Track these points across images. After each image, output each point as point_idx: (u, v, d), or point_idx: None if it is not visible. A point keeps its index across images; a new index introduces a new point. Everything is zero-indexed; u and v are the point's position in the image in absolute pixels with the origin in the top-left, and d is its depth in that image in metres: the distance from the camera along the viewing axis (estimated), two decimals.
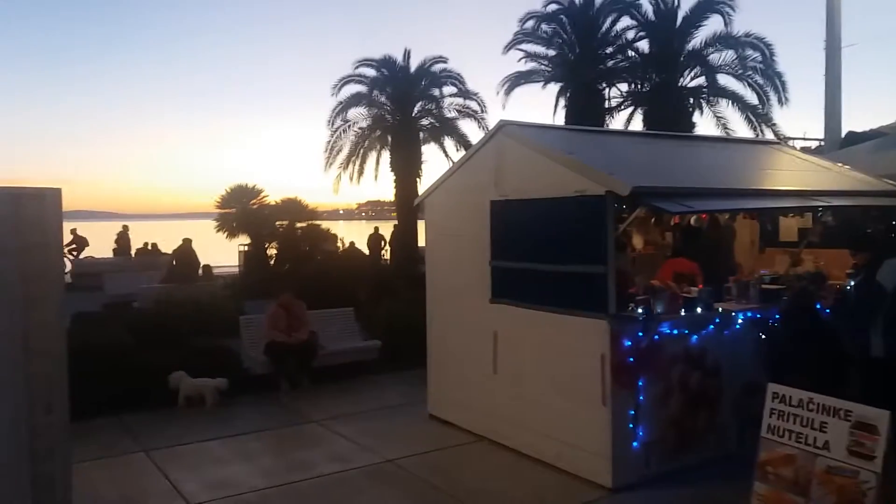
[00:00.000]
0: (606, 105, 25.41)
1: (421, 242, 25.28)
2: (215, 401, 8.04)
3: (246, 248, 23.98)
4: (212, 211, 24.27)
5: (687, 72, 24.61)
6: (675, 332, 5.63)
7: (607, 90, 26.23)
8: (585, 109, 24.85)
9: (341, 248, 22.83)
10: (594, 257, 5.31)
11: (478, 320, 6.57)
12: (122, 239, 27.76)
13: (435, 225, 7.31)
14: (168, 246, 23.87)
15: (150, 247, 28.09)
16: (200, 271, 19.18)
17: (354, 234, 28.05)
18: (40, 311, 3.29)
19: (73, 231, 26.61)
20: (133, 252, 27.93)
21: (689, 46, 23.96)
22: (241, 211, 23.22)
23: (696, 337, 5.77)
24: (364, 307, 11.29)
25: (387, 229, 26.42)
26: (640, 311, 5.48)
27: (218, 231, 23.97)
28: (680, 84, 24.64)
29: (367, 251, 24.58)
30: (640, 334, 5.38)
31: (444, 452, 6.36)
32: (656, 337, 5.50)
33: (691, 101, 24.69)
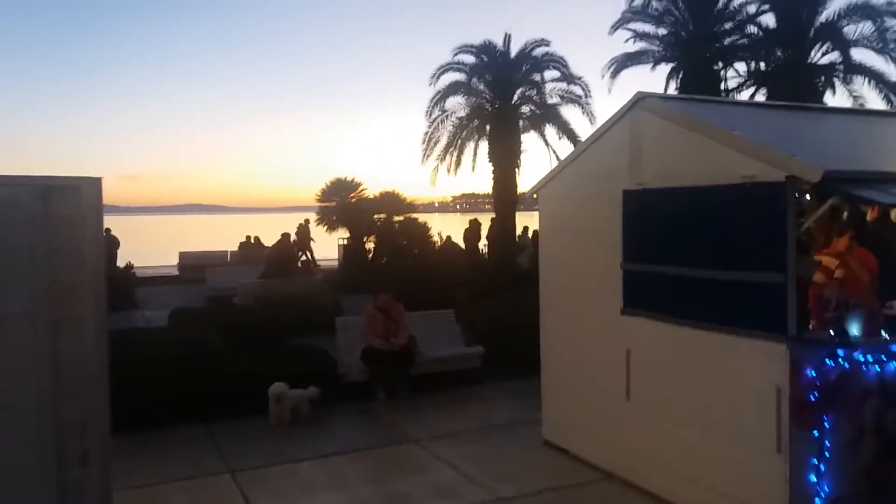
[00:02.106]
0: (723, 86, 23.64)
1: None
2: (308, 412, 7.37)
3: (345, 241, 23.77)
4: (313, 205, 24.23)
5: (817, 47, 22.45)
6: (870, 358, 4.39)
7: (724, 70, 24.41)
8: (700, 91, 23.15)
9: (438, 243, 22.08)
10: (768, 262, 4.16)
11: (605, 334, 5.53)
12: (304, 232, 24.88)
13: (551, 219, 6.30)
14: (271, 240, 23.82)
15: (252, 240, 28.47)
16: (300, 265, 18.92)
17: (450, 228, 27.30)
18: (73, 337, 2.55)
19: (107, 231, 26.32)
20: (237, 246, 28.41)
21: (821, 19, 21.73)
22: (340, 204, 22.98)
23: (894, 365, 4.50)
24: (464, 308, 10.43)
25: (483, 222, 25.54)
26: (830, 332, 4.28)
27: (318, 224, 23.88)
28: (809, 61, 22.48)
29: (463, 245, 23.78)
30: (828, 362, 4.19)
31: (566, 492, 5.36)
32: (846, 365, 4.29)
33: (822, 79, 22.47)
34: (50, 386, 2.49)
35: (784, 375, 4.12)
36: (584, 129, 24.24)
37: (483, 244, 24.59)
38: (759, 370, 4.23)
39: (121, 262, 22.07)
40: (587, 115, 23.25)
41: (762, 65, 23.76)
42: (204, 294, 18.88)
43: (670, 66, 24.41)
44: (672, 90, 24.28)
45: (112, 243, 23.56)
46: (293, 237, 26.50)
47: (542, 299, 6.42)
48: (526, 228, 24.56)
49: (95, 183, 2.72)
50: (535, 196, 6.44)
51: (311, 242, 26.20)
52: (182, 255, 27.82)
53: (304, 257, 27.50)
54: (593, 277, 5.67)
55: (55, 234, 2.55)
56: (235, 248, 28.10)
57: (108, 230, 23.80)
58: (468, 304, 10.73)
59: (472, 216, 28.58)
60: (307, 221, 24.39)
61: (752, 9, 21.71)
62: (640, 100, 5.21)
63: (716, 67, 24.13)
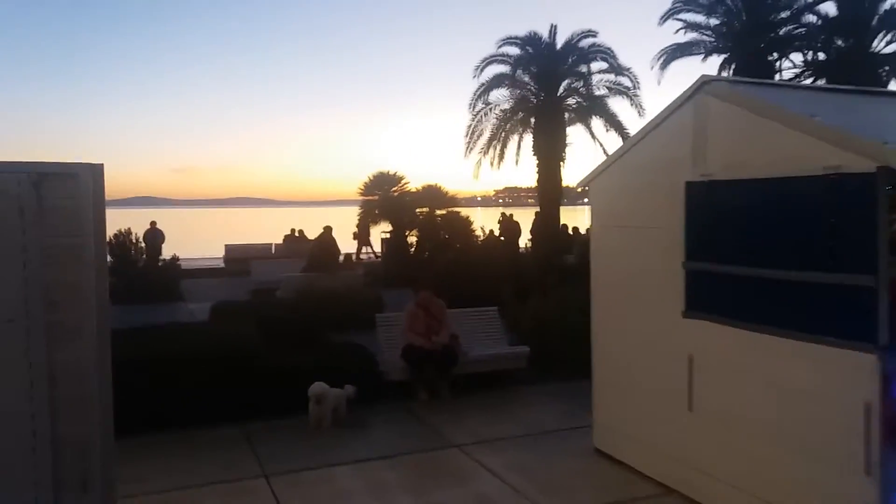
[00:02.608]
0: (777, 78, 22.81)
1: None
2: (346, 412, 7.11)
3: (387, 235, 23.60)
4: (356, 198, 24.13)
5: (880, 36, 21.46)
6: None
7: (779, 62, 23.54)
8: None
9: (481, 237, 21.71)
10: (856, 263, 3.70)
11: (664, 338, 5.11)
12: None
13: (604, 213, 5.89)
14: (315, 233, 23.72)
15: (297, 233, 28.52)
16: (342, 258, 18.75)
17: (492, 222, 26.86)
18: (71, 346, 2.27)
19: (152, 224, 24.09)
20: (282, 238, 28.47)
21: (885, 6, 20.74)
22: (382, 198, 22.82)
23: None
24: (508, 305, 10.06)
25: (525, 216, 25.08)
26: None
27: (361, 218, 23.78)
28: (872, 50, 21.50)
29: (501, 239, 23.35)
30: None
31: None
32: None
33: (886, 69, 21.46)
34: (45, 401, 2.21)
35: (874, 390, 3.66)
36: (632, 122, 23.58)
37: (526, 239, 24.16)
38: (845, 383, 3.78)
39: (167, 255, 22.23)
40: (636, 106, 22.66)
41: (820, 55, 22.83)
42: (248, 287, 18.94)
43: (722, 57, 23.71)
44: None
45: (157, 236, 23.61)
46: (355, 230, 26.31)
47: (594, 299, 6.02)
48: (570, 227, 24.02)
49: (96, 170, 2.43)
50: (585, 189, 6.04)
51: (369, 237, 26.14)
52: (228, 248, 28.04)
53: (366, 251, 27.29)
54: (650, 276, 5.26)
55: (50, 228, 2.27)
56: (280, 242, 28.22)
57: (153, 223, 23.95)
58: (512, 300, 10.35)
59: (514, 210, 28.11)
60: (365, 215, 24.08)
61: None
62: (706, 84, 4.76)
63: (770, 58, 23.30)
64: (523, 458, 5.93)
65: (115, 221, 23.18)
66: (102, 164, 2.43)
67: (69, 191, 2.27)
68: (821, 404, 3.94)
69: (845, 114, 4.65)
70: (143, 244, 19.86)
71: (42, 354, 2.20)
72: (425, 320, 7.97)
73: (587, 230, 6.73)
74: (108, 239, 13.10)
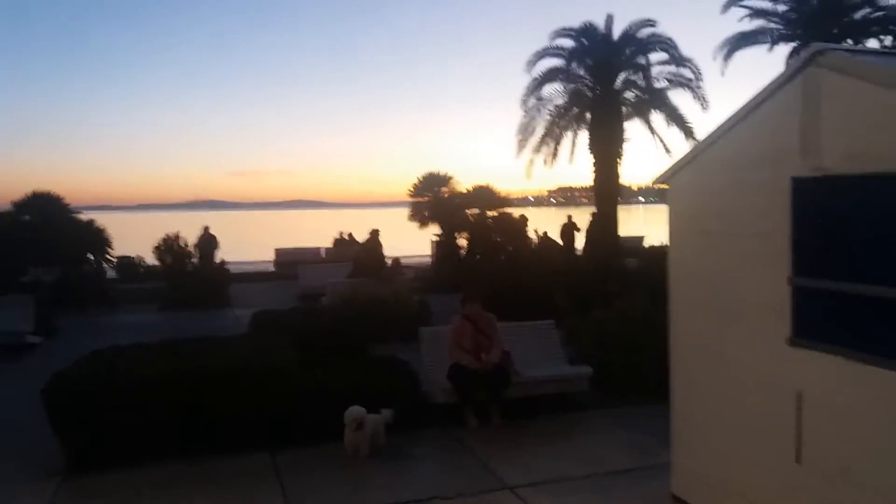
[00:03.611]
0: None
1: (622, 232, 22.69)
2: (385, 440, 6.35)
3: (437, 238, 22.87)
4: (406, 200, 23.50)
5: None
6: None
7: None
8: None
9: (535, 240, 20.70)
10: None
11: (765, 369, 4.17)
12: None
13: (685, 216, 4.95)
14: (364, 237, 23.02)
15: (346, 237, 27.95)
16: (389, 262, 18.02)
17: (545, 223, 25.74)
18: None
19: (205, 229, 22.62)
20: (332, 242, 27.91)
21: None
22: (432, 199, 22.12)
23: None
24: (564, 317, 9.16)
25: (580, 217, 23.94)
26: None
27: (410, 220, 23.11)
28: None
29: (560, 243, 22.28)
30: None
31: None
32: None
33: None
34: None
35: None
36: (695, 115, 22.35)
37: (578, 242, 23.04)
38: None
39: (218, 259, 21.82)
40: (698, 99, 21.35)
41: None
42: (294, 293, 18.50)
43: (790, 46, 22.32)
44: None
45: (211, 243, 22.57)
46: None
47: (674, 317, 5.09)
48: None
49: None
50: (663, 186, 5.11)
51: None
52: (278, 252, 27.79)
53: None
54: (746, 294, 4.32)
55: None
56: (329, 245, 27.76)
57: (206, 228, 23.02)
58: (569, 311, 9.44)
59: (568, 211, 26.95)
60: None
61: None
62: (818, 54, 3.80)
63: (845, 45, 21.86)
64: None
65: (172, 225, 23.12)
66: None
67: None
68: None
69: None
70: (191, 248, 19.50)
71: None
72: (473, 336, 7.15)
73: (665, 237, 5.83)
74: (157, 244, 12.49)
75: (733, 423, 4.46)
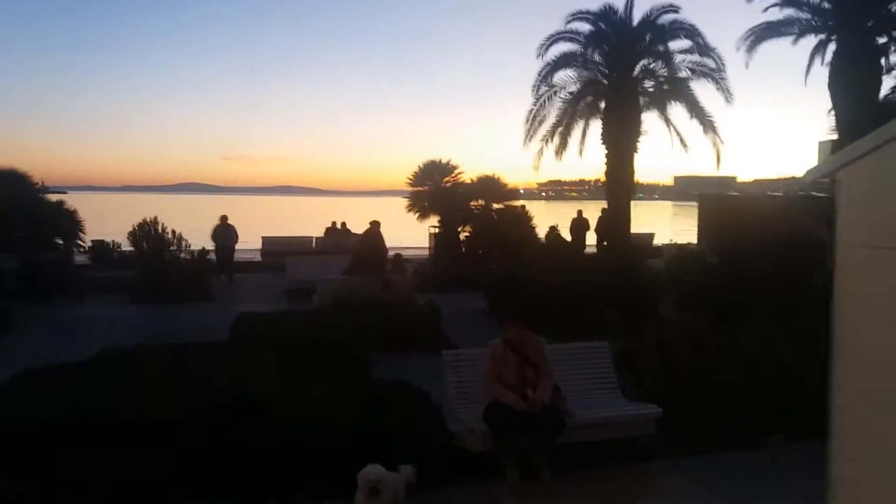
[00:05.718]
0: (882, 62, 20.34)
1: (635, 229, 21.28)
2: None
3: (436, 230, 21.34)
4: (405, 188, 21.97)
5: None
6: None
7: (889, 44, 20.98)
8: (857, 67, 19.74)
9: (543, 236, 19.14)
10: None
11: None
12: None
13: (860, 223, 3.47)
14: (359, 226, 21.13)
15: (339, 226, 26.07)
16: (389, 256, 16.39)
17: (545, 217, 24.17)
18: None
19: (224, 219, 20.29)
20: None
21: None
22: (433, 189, 20.60)
23: None
24: (607, 335, 7.66)
25: (569, 211, 22.58)
26: None
27: (409, 211, 21.58)
28: None
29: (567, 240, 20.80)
30: None
31: None
32: None
33: None
34: None
35: None
36: (717, 108, 20.99)
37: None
38: None
39: (206, 245, 19.71)
40: (722, 91, 19.96)
41: None
42: (282, 287, 16.89)
43: (818, 38, 21.12)
44: (818, 66, 20.99)
45: (229, 234, 19.82)
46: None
47: (838, 355, 3.62)
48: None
49: None
50: (832, 180, 3.62)
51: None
52: (265, 241, 26.09)
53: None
54: None
55: None
56: (321, 234, 25.96)
57: (224, 217, 20.10)
58: (614, 328, 7.96)
59: (557, 205, 25.56)
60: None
61: None
62: None
63: (879, 41, 20.78)
64: None
65: (156, 208, 21.30)
66: None
67: None
68: None
69: None
70: (170, 234, 17.59)
71: None
72: (518, 366, 5.64)
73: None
74: (130, 228, 10.53)
75: None
